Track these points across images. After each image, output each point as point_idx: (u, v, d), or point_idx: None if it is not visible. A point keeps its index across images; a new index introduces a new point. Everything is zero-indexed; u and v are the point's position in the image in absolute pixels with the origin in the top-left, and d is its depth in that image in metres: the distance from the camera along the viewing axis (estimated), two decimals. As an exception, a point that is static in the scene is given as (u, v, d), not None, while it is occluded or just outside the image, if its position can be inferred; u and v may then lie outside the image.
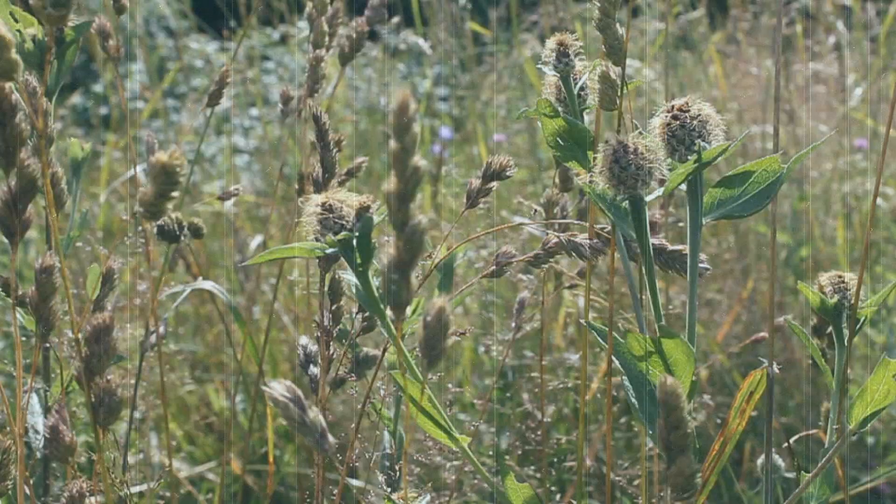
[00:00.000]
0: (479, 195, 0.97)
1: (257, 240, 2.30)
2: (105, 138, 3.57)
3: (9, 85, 0.72)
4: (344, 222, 0.78)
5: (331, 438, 0.63)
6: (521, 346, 1.81)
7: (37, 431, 1.11)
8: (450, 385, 1.28)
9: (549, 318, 1.85)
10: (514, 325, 1.24)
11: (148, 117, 3.46)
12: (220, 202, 2.21)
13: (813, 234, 2.28)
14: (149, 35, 3.80)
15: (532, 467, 1.52)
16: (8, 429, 0.86)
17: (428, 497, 0.90)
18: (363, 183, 2.65)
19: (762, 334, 1.37)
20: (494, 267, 0.98)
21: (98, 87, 4.26)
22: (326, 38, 1.31)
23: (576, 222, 1.03)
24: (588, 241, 0.92)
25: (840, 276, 0.86)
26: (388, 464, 1.10)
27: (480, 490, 1.47)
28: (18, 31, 1.04)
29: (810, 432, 1.05)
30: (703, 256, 0.84)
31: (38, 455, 1.15)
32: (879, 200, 2.26)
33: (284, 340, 2.08)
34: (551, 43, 0.88)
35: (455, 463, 1.33)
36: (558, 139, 0.87)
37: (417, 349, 0.65)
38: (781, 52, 2.40)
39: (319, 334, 0.99)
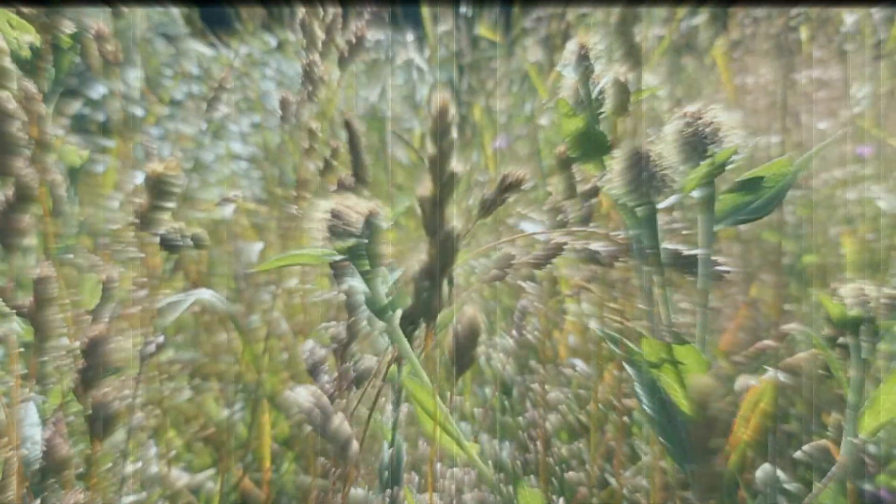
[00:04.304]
0: (493, 205, 0.95)
1: (257, 247, 2.29)
2: (103, 145, 3.55)
3: (5, 93, 0.71)
4: (352, 228, 0.77)
5: (355, 445, 0.62)
6: (524, 354, 1.80)
7: (34, 443, 1.10)
8: (450, 393, 1.26)
9: (552, 325, 1.84)
10: (514, 332, 1.23)
11: (153, 123, 3.45)
12: (218, 209, 2.19)
13: (816, 242, 2.27)
14: (145, 41, 3.79)
15: (533, 476, 1.50)
16: (6, 439, 0.85)
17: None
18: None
19: (767, 342, 1.36)
20: (496, 271, 0.97)
21: (95, 94, 4.24)
22: (320, 44, 1.30)
23: (588, 230, 1.01)
24: (603, 247, 0.91)
25: (861, 288, 0.85)
26: (387, 473, 1.08)
27: (483, 501, 1.45)
28: (15, 38, 1.03)
29: (819, 443, 1.04)
30: (721, 259, 0.84)
31: (35, 467, 1.13)
32: (885, 208, 2.25)
33: (284, 349, 2.07)
34: (572, 45, 0.88)
35: (455, 470, 1.32)
36: (576, 141, 0.87)
37: (443, 356, 0.64)
38: (786, 58, 2.39)
39: (335, 347, 0.97)
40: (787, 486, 1.10)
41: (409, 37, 3.07)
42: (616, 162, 0.80)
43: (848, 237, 2.10)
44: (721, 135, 0.80)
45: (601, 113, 0.90)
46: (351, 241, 0.76)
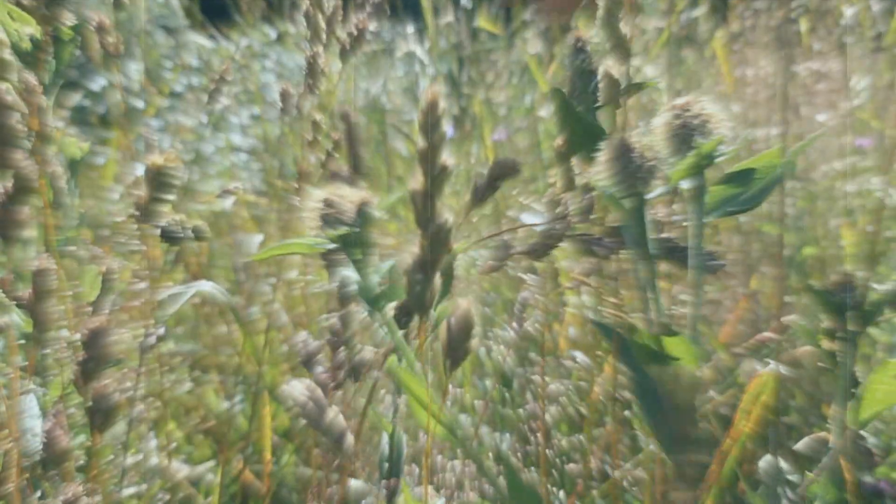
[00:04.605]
0: (485, 193, 0.95)
1: (258, 239, 2.28)
2: (103, 136, 3.55)
3: (6, 85, 0.71)
4: (344, 217, 0.77)
5: (350, 438, 0.62)
6: (524, 346, 1.80)
7: (34, 434, 1.10)
8: (450, 385, 1.26)
9: (552, 317, 1.84)
10: (514, 325, 1.23)
11: (153, 115, 3.45)
12: (218, 201, 2.20)
13: (816, 233, 2.27)
14: (146, 33, 3.79)
15: (533, 468, 1.50)
16: (6, 430, 0.85)
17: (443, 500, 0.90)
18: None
19: (767, 334, 1.36)
20: (492, 262, 0.97)
21: (96, 86, 4.24)
22: (324, 36, 1.30)
23: (584, 221, 1.01)
24: (598, 238, 0.91)
25: (848, 275, 0.85)
26: (387, 465, 1.09)
27: (482, 491, 1.45)
28: (16, 30, 1.03)
29: (819, 434, 1.04)
30: (714, 251, 0.84)
31: (35, 459, 1.13)
32: (884, 199, 2.25)
33: (284, 340, 2.07)
34: (570, 38, 0.88)
35: (455, 462, 1.32)
36: (574, 133, 0.87)
37: (440, 349, 0.64)
38: (785, 50, 2.39)
39: (329, 339, 0.97)
40: (789, 477, 1.10)
41: (410, 28, 3.06)
42: (602, 153, 0.80)
43: (848, 229, 2.10)
44: (710, 127, 0.80)
45: (598, 106, 0.90)
46: (343, 230, 0.76)
